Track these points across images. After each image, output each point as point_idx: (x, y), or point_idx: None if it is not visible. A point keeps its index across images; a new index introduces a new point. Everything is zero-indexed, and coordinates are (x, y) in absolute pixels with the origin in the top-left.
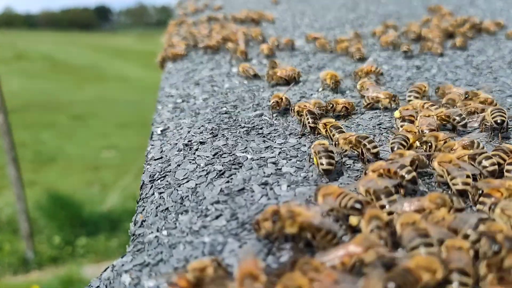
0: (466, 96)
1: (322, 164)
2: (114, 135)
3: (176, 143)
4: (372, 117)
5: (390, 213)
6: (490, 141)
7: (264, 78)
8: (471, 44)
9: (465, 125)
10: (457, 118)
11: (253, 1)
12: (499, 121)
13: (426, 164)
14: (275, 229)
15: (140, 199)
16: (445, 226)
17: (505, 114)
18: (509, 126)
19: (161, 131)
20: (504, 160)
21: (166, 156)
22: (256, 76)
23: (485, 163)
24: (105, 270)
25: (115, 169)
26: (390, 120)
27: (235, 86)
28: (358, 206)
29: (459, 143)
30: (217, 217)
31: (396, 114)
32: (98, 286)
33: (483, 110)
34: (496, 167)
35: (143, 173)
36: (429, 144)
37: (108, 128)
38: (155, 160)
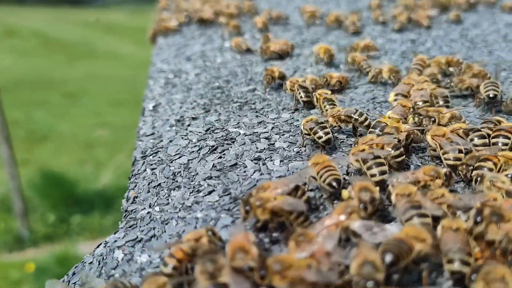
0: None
1: (320, 137)
2: (107, 113)
3: (168, 119)
4: (366, 91)
5: (378, 183)
6: (484, 115)
7: (257, 52)
8: (466, 17)
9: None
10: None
11: None
12: (491, 95)
13: (421, 139)
14: (250, 217)
15: (132, 175)
16: (444, 205)
17: (498, 88)
18: (503, 100)
19: (153, 107)
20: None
21: (158, 132)
22: (248, 51)
23: (477, 141)
24: (98, 247)
25: (108, 147)
26: (384, 94)
27: (227, 61)
28: (334, 184)
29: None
30: (209, 193)
31: (390, 98)
32: (92, 262)
33: (478, 87)
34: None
35: (135, 149)
36: (428, 118)
37: (100, 106)
38: (146, 136)
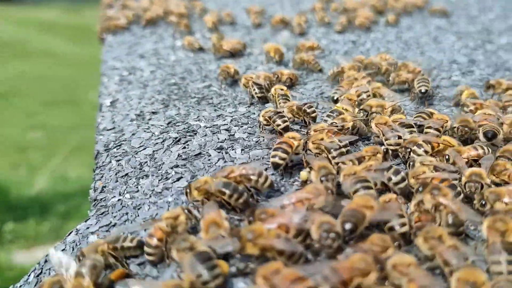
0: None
1: (279, 125)
2: (41, 114)
3: (128, 114)
4: (314, 87)
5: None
6: (418, 107)
7: (209, 51)
8: (400, 21)
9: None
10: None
11: None
12: (423, 90)
13: (365, 131)
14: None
15: (96, 167)
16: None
17: (429, 83)
18: (433, 94)
19: (111, 102)
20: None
21: (118, 126)
22: (201, 49)
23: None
24: (68, 235)
25: (43, 150)
26: (330, 89)
27: (181, 59)
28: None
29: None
30: (178, 179)
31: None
32: (64, 249)
33: (413, 81)
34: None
35: (96, 143)
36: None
37: (34, 106)
38: (107, 130)
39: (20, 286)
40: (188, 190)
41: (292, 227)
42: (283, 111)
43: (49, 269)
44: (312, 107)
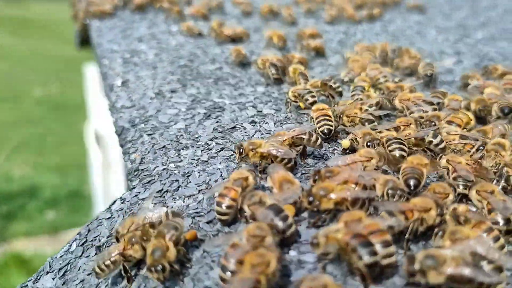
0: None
1: (307, 99)
2: None
3: (145, 93)
4: (321, 71)
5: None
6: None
7: (208, 36)
8: (381, 15)
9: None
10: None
11: None
12: (428, 74)
13: (388, 106)
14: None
15: (126, 141)
16: None
17: (433, 68)
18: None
19: (122, 83)
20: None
21: (139, 104)
22: (200, 35)
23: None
24: (113, 204)
25: None
26: (335, 72)
27: (182, 43)
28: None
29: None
30: (221, 149)
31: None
32: (110, 217)
33: (416, 66)
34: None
35: (115, 121)
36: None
37: None
38: (127, 108)
39: (61, 256)
40: (241, 150)
41: (359, 183)
42: (309, 88)
43: (96, 237)
44: (336, 82)
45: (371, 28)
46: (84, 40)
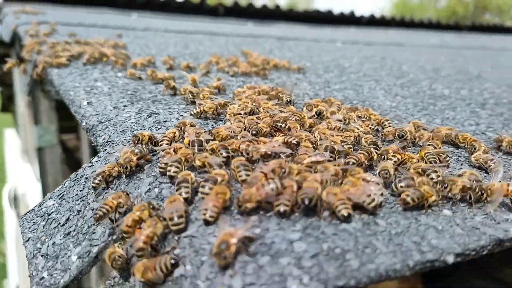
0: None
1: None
2: None
3: (106, 107)
4: (223, 96)
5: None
6: None
7: (145, 79)
8: (269, 74)
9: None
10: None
11: (94, 32)
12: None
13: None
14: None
15: (96, 130)
16: None
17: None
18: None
19: (87, 103)
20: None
21: (103, 112)
22: (140, 78)
23: None
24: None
25: None
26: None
27: (127, 83)
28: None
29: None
30: (159, 129)
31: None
32: (99, 160)
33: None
34: None
35: (86, 123)
36: None
37: None
38: (94, 115)
39: (84, 168)
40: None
41: None
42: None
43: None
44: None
45: (262, 80)
46: (5, 107)
